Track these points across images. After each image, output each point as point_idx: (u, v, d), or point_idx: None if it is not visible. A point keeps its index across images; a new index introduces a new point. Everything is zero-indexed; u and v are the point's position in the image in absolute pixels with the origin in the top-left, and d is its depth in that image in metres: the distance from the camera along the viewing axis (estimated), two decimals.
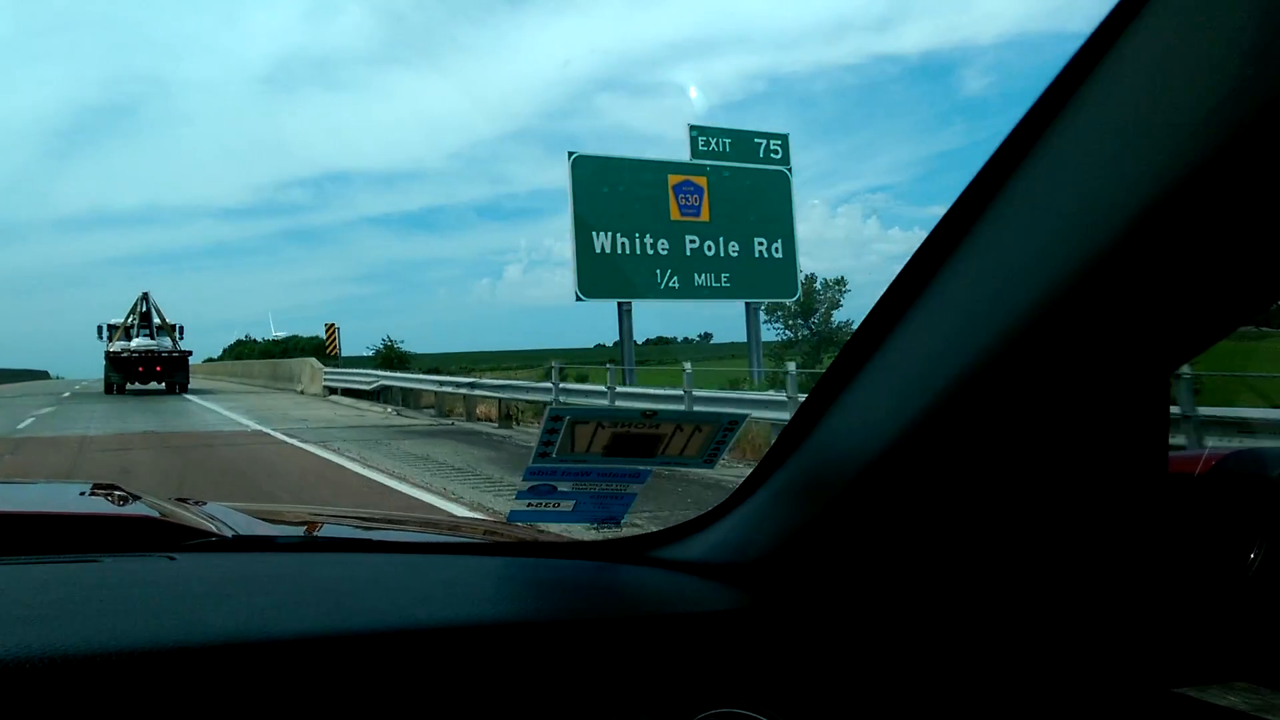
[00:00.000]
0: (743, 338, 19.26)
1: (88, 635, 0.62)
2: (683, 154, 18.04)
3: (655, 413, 0.85)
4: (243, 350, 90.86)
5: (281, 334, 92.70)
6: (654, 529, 1.01)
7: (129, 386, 27.32)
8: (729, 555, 0.89)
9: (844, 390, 0.74)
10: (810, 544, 0.79)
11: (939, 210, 0.65)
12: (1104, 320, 0.53)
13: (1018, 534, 0.73)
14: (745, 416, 0.85)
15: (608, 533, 0.99)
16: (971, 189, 0.59)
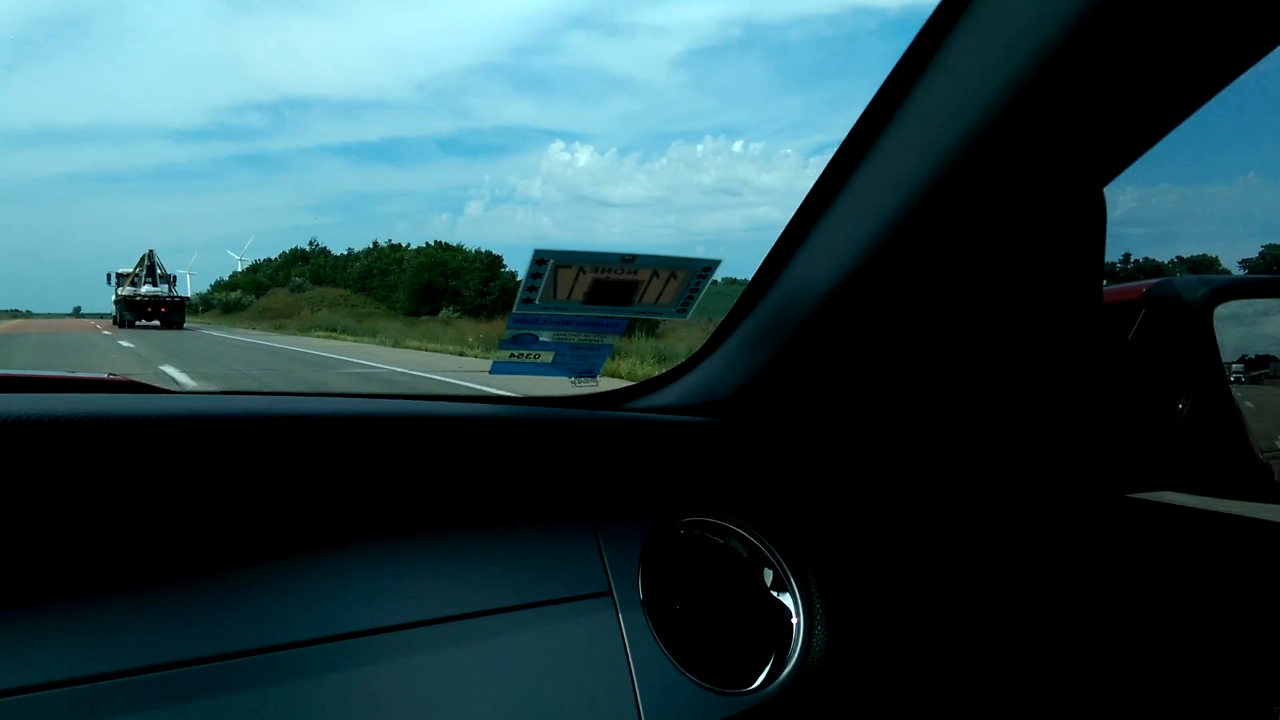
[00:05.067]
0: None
1: (159, 405, 0.67)
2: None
3: (635, 257, 0.89)
4: (323, 268, 56.46)
5: (245, 259, 68.58)
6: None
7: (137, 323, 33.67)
8: (700, 398, 0.93)
9: (802, 241, 0.78)
10: (775, 376, 0.84)
11: None
12: (1030, 134, 0.56)
13: (965, 354, 0.77)
14: (718, 261, 0.89)
15: (584, 386, 1.03)
16: (906, 58, 0.63)
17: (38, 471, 0.60)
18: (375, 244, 54.44)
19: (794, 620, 0.81)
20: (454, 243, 46.09)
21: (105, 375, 1.10)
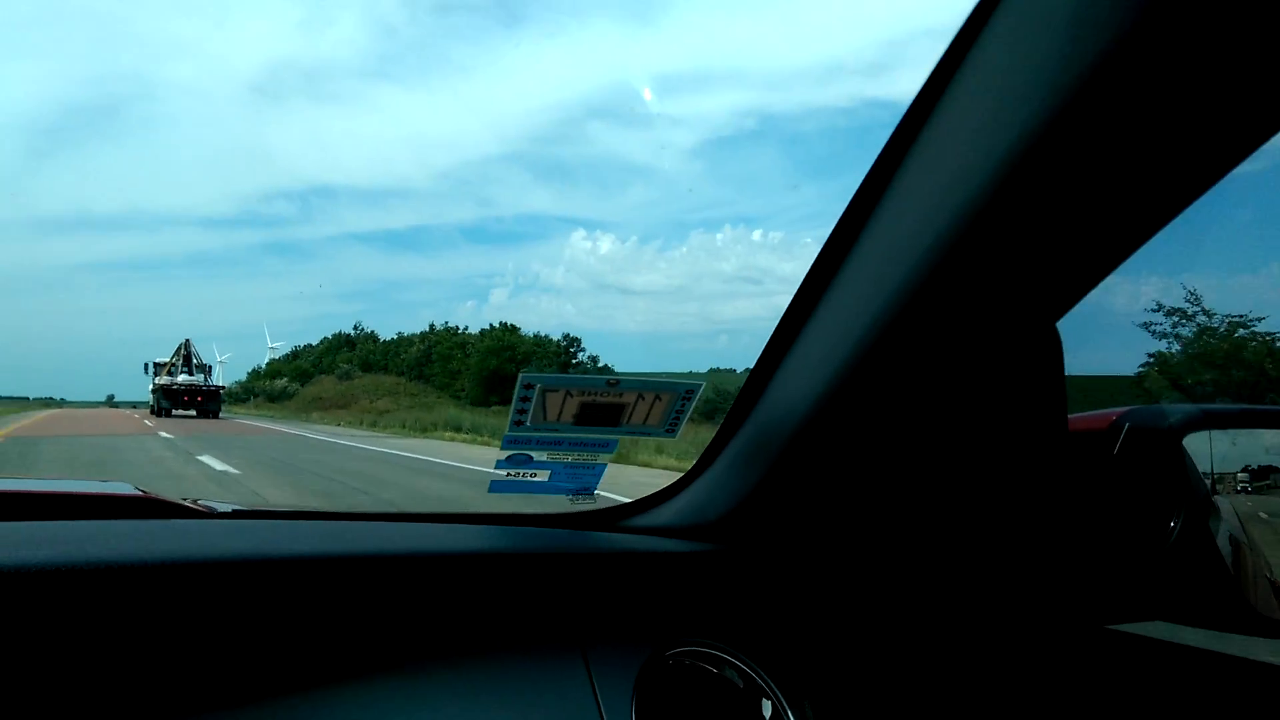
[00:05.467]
0: None
1: (174, 545, 0.68)
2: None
3: (619, 380, 0.90)
4: (372, 353, 53.71)
5: (281, 347, 65.03)
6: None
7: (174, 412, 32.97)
8: (693, 519, 0.93)
9: (781, 361, 0.79)
10: (762, 499, 0.84)
11: None
12: (983, 269, 0.56)
13: (937, 483, 0.76)
14: (701, 385, 0.89)
15: (581, 505, 1.03)
16: (864, 188, 0.64)
17: (40, 622, 0.61)
18: (432, 327, 52.03)
19: None
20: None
21: (134, 491, 1.12)
